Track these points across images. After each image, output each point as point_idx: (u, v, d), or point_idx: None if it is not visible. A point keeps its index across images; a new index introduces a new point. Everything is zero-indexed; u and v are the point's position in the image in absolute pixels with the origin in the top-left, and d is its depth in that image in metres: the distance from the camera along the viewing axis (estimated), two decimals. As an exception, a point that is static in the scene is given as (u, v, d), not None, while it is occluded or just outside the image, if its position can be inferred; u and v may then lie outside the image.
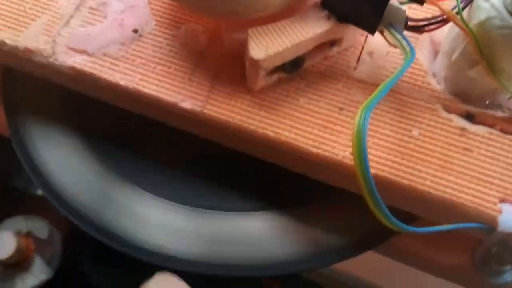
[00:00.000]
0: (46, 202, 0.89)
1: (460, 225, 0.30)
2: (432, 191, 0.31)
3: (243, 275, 0.36)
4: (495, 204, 0.30)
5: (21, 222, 0.92)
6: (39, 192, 0.84)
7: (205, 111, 0.33)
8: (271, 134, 0.32)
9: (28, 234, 0.91)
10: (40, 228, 0.93)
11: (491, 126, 0.32)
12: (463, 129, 0.32)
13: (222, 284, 0.94)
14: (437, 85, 0.34)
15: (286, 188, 0.38)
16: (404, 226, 0.28)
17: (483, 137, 0.32)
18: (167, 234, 0.37)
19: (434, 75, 0.34)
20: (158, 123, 0.37)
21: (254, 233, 0.36)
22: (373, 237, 0.36)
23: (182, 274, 0.36)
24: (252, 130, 0.32)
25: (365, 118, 0.26)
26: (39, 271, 0.90)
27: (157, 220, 0.37)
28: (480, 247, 0.38)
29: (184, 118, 0.34)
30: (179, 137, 0.37)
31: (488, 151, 0.32)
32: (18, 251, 0.84)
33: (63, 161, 0.40)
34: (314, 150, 0.32)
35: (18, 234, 0.87)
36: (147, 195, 0.38)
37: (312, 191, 0.37)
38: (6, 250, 0.83)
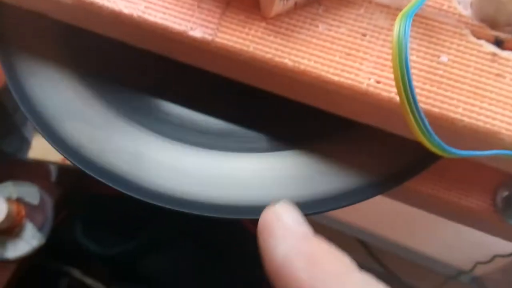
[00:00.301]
0: (37, 168, 0.87)
1: (501, 151, 0.28)
2: (465, 119, 0.29)
3: (253, 218, 0.33)
4: (530, 131, 0.28)
5: (11, 188, 0.90)
6: (30, 157, 0.82)
7: (217, 39, 0.31)
8: (289, 63, 0.30)
9: (19, 200, 0.89)
10: (31, 194, 0.91)
11: (521, 51, 0.30)
12: (494, 54, 0.30)
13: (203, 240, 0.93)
14: (464, 11, 0.31)
15: (302, 126, 0.36)
16: (447, 147, 0.26)
17: (516, 62, 0.30)
18: (169, 173, 0.35)
19: (458, 2, 0.32)
20: (161, 58, 0.34)
21: (263, 174, 0.34)
22: (394, 176, 0.34)
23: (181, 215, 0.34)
24: (268, 59, 0.30)
25: (405, 26, 0.23)
26: (30, 237, 0.88)
27: (160, 159, 0.35)
28: (502, 188, 0.36)
29: (193, 49, 0.32)
30: (184, 72, 0.35)
31: (522, 76, 0.29)
32: (9, 217, 0.82)
33: (62, 102, 0.37)
34: (336, 78, 0.30)
35: (8, 200, 0.85)
36: (148, 133, 0.36)
37: (331, 128, 0.35)
38: (-3, 216, 0.81)
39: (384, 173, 0.34)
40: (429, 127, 0.25)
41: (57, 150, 0.35)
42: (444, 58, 0.30)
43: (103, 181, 0.34)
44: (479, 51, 0.30)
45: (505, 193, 0.37)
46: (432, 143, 0.25)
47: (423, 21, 0.31)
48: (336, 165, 0.35)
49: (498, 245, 0.41)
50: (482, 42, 0.31)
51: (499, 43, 0.31)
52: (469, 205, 0.38)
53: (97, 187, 0.96)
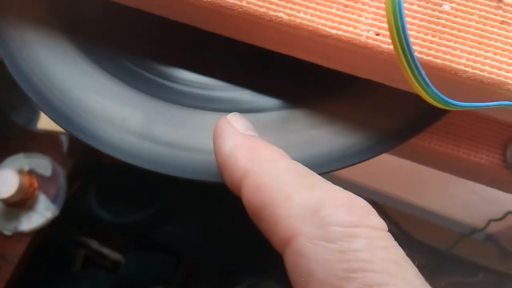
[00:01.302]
0: (48, 139, 0.87)
1: (505, 102, 0.26)
2: (469, 69, 0.27)
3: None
4: (539, 80, 0.27)
5: (22, 160, 0.90)
6: (39, 127, 0.81)
7: (209, -6, 0.29)
8: (284, 17, 0.29)
9: (31, 172, 0.89)
10: (43, 165, 0.91)
11: (528, -2, 0.29)
12: (499, 1, 0.28)
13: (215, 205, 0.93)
14: (468, -44, 0.30)
15: (301, 84, 0.34)
16: (446, 98, 0.25)
17: (522, 8, 0.28)
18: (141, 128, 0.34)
19: None
20: (157, 20, 0.33)
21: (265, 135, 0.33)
22: (397, 134, 0.33)
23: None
24: (262, 13, 0.29)
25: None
26: (44, 209, 0.88)
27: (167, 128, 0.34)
28: (512, 143, 0.35)
29: (186, 5, 0.30)
30: (173, 29, 0.34)
31: (528, 23, 0.28)
32: (21, 189, 0.82)
33: (59, 71, 0.36)
34: (333, 31, 0.28)
35: (20, 172, 0.85)
36: (153, 99, 0.35)
37: (332, 86, 0.34)
38: (8, 188, 0.81)
39: (390, 130, 0.33)
40: (426, 79, 0.24)
41: (56, 122, 0.34)
42: (446, 7, 0.28)
43: (114, 155, 0.33)
44: (483, -2, 0.29)
45: (516, 147, 0.36)
46: (430, 95, 0.24)
47: (423, -32, 0.29)
48: (339, 123, 0.34)
49: (507, 201, 0.40)
50: (486, -12, 0.29)
51: (504, -11, 0.29)
52: (479, 161, 0.37)
53: (109, 156, 0.96)
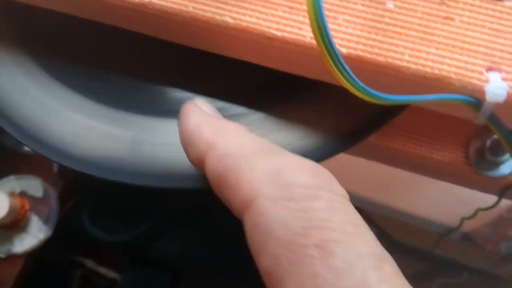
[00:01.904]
0: (39, 160, 0.87)
1: (444, 95, 0.27)
2: (412, 65, 0.28)
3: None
4: (481, 73, 0.27)
5: (13, 182, 0.90)
6: (30, 149, 0.81)
7: (154, 1, 0.30)
8: (231, 21, 0.29)
9: (22, 194, 0.89)
10: (34, 187, 0.91)
11: (474, -8, 0.29)
12: (443, -3, 0.29)
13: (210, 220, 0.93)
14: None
15: (259, 88, 0.35)
16: (374, 92, 0.25)
17: (465, 3, 0.29)
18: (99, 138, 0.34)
19: None
20: (111, 29, 0.34)
21: None
22: (352, 133, 0.33)
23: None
24: (209, 18, 0.29)
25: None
26: (37, 231, 0.88)
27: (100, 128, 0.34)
28: (474, 140, 0.35)
29: (131, 13, 0.31)
30: (125, 38, 0.34)
31: (471, 18, 0.28)
32: (12, 211, 0.82)
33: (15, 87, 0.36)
34: (279, 34, 0.29)
35: (11, 194, 0.85)
36: (89, 102, 0.35)
37: (284, 89, 0.34)
38: (0, 211, 0.81)
39: (347, 129, 0.34)
40: (350, 72, 0.24)
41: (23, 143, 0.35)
42: (390, 5, 0.29)
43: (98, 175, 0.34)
44: (427, -6, 0.29)
45: (477, 145, 0.36)
46: (357, 88, 0.25)
47: (368, -32, 0.30)
48: (296, 126, 0.34)
49: (482, 199, 0.40)
50: (430, -15, 0.29)
51: (450, -15, 0.30)
52: (442, 159, 0.37)
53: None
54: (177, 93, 0.36)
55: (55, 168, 0.90)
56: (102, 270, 1.09)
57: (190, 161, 0.28)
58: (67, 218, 0.94)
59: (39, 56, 0.37)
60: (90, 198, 1.00)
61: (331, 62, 0.24)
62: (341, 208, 0.22)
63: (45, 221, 0.90)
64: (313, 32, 0.23)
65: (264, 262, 0.22)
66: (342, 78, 0.24)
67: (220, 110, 0.33)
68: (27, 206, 0.89)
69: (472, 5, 0.29)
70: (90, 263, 1.08)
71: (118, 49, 0.37)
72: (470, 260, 0.56)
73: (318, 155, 0.33)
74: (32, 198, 0.91)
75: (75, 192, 0.96)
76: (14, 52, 0.37)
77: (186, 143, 0.28)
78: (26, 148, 0.83)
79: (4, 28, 0.38)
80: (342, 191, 0.23)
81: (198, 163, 0.27)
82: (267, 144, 0.26)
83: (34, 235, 0.89)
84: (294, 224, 0.21)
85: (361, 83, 0.24)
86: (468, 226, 0.51)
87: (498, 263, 0.59)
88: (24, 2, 0.34)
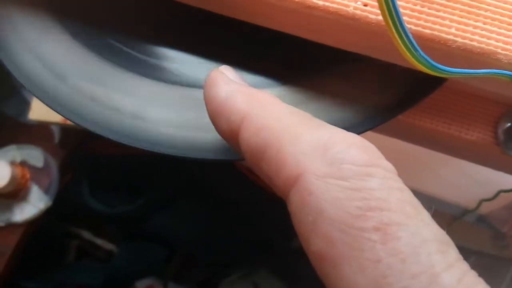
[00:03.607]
0: (40, 130, 0.87)
1: (495, 71, 0.26)
2: (459, 39, 0.27)
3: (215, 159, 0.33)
4: (529, 49, 0.27)
5: (14, 151, 0.89)
6: (30, 118, 0.81)
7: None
8: (272, -10, 0.28)
9: (23, 163, 0.88)
10: (35, 156, 0.90)
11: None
12: (489, -30, 0.28)
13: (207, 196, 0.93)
14: None
15: (287, 60, 0.34)
16: (436, 64, 0.24)
17: (512, -23, 0.28)
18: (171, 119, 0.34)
19: None
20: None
21: None
22: (388, 109, 0.33)
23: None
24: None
25: None
26: (37, 200, 0.87)
27: (139, 101, 0.34)
28: (503, 120, 0.35)
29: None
30: (161, 8, 0.34)
31: (519, -8, 0.28)
32: (13, 180, 0.82)
33: (51, 58, 0.36)
34: (321, 2, 0.28)
35: (12, 163, 0.84)
36: (147, 81, 0.35)
37: (319, 62, 0.33)
38: (0, 179, 0.81)
39: (378, 106, 0.33)
40: (415, 44, 0.24)
41: (54, 110, 0.34)
42: (435, -23, 0.28)
43: (107, 136, 0.33)
44: (473, -34, 0.28)
45: (507, 125, 0.36)
46: (419, 60, 0.24)
47: None
48: (326, 100, 0.33)
49: (503, 181, 0.39)
50: (476, -43, 0.29)
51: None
52: (470, 138, 0.36)
53: (101, 147, 0.96)
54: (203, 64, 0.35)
55: (56, 138, 0.90)
56: (99, 241, 1.09)
57: (219, 132, 0.26)
58: (66, 189, 0.94)
59: (66, 18, 0.36)
60: (90, 169, 1.00)
61: (396, 34, 0.23)
62: (396, 186, 0.21)
63: (46, 191, 0.89)
64: (379, 4, 0.23)
65: (315, 244, 0.21)
66: (406, 50, 0.24)
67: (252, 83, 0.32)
68: (28, 176, 0.89)
69: (519, -21, 0.28)
70: (87, 234, 1.08)
71: (153, 18, 0.36)
72: (480, 244, 0.56)
73: (351, 129, 0.32)
74: (33, 168, 0.90)
75: (75, 163, 0.96)
76: (45, 19, 0.36)
77: (216, 114, 0.26)
78: (28, 118, 0.82)
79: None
80: (391, 167, 0.22)
81: (229, 135, 0.25)
82: (306, 116, 0.25)
83: (34, 204, 0.88)
84: (349, 204, 0.20)
85: (425, 56, 0.24)
86: (485, 208, 0.50)
87: (510, 246, 0.59)
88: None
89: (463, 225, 0.57)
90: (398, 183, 0.21)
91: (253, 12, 0.31)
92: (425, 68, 0.25)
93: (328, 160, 0.21)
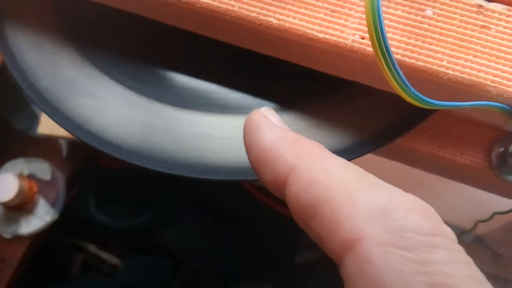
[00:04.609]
0: (48, 144, 0.88)
1: (483, 102, 0.28)
2: (450, 71, 0.29)
3: (220, 179, 0.34)
4: (517, 82, 0.28)
5: (22, 164, 0.91)
6: (39, 132, 0.82)
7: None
8: (274, 21, 0.30)
9: (31, 176, 0.90)
10: (43, 170, 0.91)
11: (508, 4, 0.30)
12: (479, 6, 0.30)
13: (212, 211, 0.94)
14: (451, -36, 0.31)
15: (287, 85, 0.36)
16: (425, 98, 0.26)
17: (500, 13, 0.30)
18: (150, 132, 0.35)
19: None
20: (153, 25, 0.35)
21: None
22: (382, 134, 0.34)
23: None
24: (253, 18, 0.30)
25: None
26: (43, 213, 0.89)
27: (138, 118, 0.35)
28: (497, 145, 0.36)
29: (179, 10, 0.32)
30: (176, 36, 0.35)
31: (507, 28, 0.30)
32: (21, 193, 0.83)
33: (62, 76, 0.37)
34: (321, 35, 0.30)
35: (20, 176, 0.86)
36: (152, 101, 0.36)
37: (319, 88, 0.35)
38: (8, 192, 0.82)
39: (375, 130, 0.34)
40: (404, 78, 0.25)
41: (62, 127, 0.35)
42: (429, 12, 0.30)
43: (112, 154, 0.34)
44: (464, 3, 0.30)
45: (500, 149, 0.37)
46: (409, 94, 0.26)
47: (408, -25, 0.31)
48: (327, 125, 0.35)
49: (498, 202, 0.41)
50: (467, -6, 0.30)
51: (486, -5, 0.31)
52: (464, 162, 0.38)
53: (108, 161, 0.97)
54: (212, 87, 0.37)
55: (64, 152, 0.91)
56: (104, 255, 1.09)
57: (263, 181, 0.25)
58: (72, 203, 0.95)
59: (79, 42, 0.38)
60: (97, 183, 1.01)
61: (386, 69, 0.25)
62: (462, 259, 0.20)
63: (52, 204, 0.91)
64: (371, 40, 0.24)
65: None
66: (396, 84, 0.25)
67: (252, 106, 0.34)
68: (35, 189, 0.90)
69: (507, 15, 0.30)
70: (92, 248, 1.09)
71: (161, 44, 0.38)
72: (478, 263, 0.57)
73: (347, 155, 0.34)
74: (40, 181, 0.91)
75: (82, 177, 0.97)
76: (58, 39, 0.38)
77: (259, 162, 0.25)
78: (37, 132, 0.83)
79: (51, 17, 0.39)
80: (451, 233, 0.21)
81: (275, 186, 0.24)
82: (359, 171, 0.23)
83: (40, 217, 0.89)
84: (414, 279, 0.18)
85: (414, 89, 0.25)
86: (481, 229, 0.51)
87: (508, 266, 0.60)
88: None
89: (462, 245, 0.58)
90: (463, 255, 0.20)
91: (260, 43, 0.33)
92: (414, 102, 0.26)
93: (389, 226, 0.20)
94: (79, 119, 0.35)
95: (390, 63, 0.24)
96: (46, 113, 0.35)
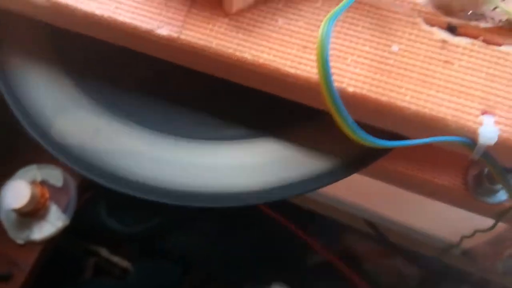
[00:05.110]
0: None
1: (437, 138, 0.29)
2: (412, 106, 0.30)
3: (230, 205, 0.36)
4: (476, 116, 0.30)
5: (35, 171, 0.92)
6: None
7: (182, 36, 0.32)
8: (249, 57, 0.32)
9: (43, 183, 0.91)
10: (55, 176, 0.93)
11: (474, 37, 0.32)
12: (444, 41, 0.31)
13: (222, 215, 0.94)
14: (419, -1, 0.33)
15: (269, 113, 0.37)
16: (372, 139, 0.27)
17: (464, 48, 0.31)
18: (156, 165, 0.37)
19: (415, -11, 0.33)
20: (140, 53, 0.36)
21: (238, 161, 0.36)
22: (360, 159, 0.36)
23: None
24: (229, 54, 0.32)
25: (328, 29, 0.25)
26: (55, 219, 0.90)
27: (145, 152, 0.37)
28: (472, 167, 0.37)
29: (162, 46, 0.34)
30: (163, 66, 0.36)
31: (469, 62, 0.31)
32: (33, 199, 0.85)
33: (53, 102, 0.39)
34: (292, 71, 0.31)
35: (32, 182, 0.87)
36: (134, 127, 0.38)
37: (296, 115, 0.37)
38: (21, 199, 0.83)
39: (354, 155, 0.36)
40: (351, 121, 0.27)
41: (50, 152, 0.37)
42: (395, 48, 0.31)
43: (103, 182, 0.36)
44: (429, 39, 0.31)
45: (475, 172, 0.38)
46: (361, 138, 0.27)
47: (377, 11, 0.32)
48: (312, 149, 0.36)
49: (480, 218, 0.42)
50: (434, 29, 0.32)
51: (452, 28, 0.32)
52: (442, 183, 0.39)
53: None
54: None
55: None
56: (115, 259, 1.11)
57: None
58: (84, 208, 0.96)
59: (79, 78, 0.40)
60: (107, 189, 1.02)
61: (335, 112, 0.26)
62: None
63: (64, 210, 0.92)
64: (321, 90, 0.26)
65: None
66: (347, 129, 0.27)
67: (234, 132, 0.36)
68: (47, 195, 0.91)
69: (471, 50, 0.31)
70: (104, 252, 1.11)
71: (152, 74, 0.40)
72: (468, 274, 0.58)
73: (327, 180, 0.35)
74: (52, 187, 0.93)
75: (93, 183, 0.98)
76: (54, 74, 0.40)
77: None
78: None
79: (49, 53, 0.41)
80: None
81: None
82: None
83: (52, 223, 0.91)
84: None
85: (364, 134, 0.27)
86: (467, 243, 0.53)
87: (497, 277, 0.61)
88: (67, 29, 0.37)
89: (452, 257, 0.59)
90: None
91: (237, 75, 0.35)
92: (364, 143, 0.28)
93: None
94: (71, 145, 0.37)
95: (340, 110, 0.26)
96: (36, 138, 0.37)
